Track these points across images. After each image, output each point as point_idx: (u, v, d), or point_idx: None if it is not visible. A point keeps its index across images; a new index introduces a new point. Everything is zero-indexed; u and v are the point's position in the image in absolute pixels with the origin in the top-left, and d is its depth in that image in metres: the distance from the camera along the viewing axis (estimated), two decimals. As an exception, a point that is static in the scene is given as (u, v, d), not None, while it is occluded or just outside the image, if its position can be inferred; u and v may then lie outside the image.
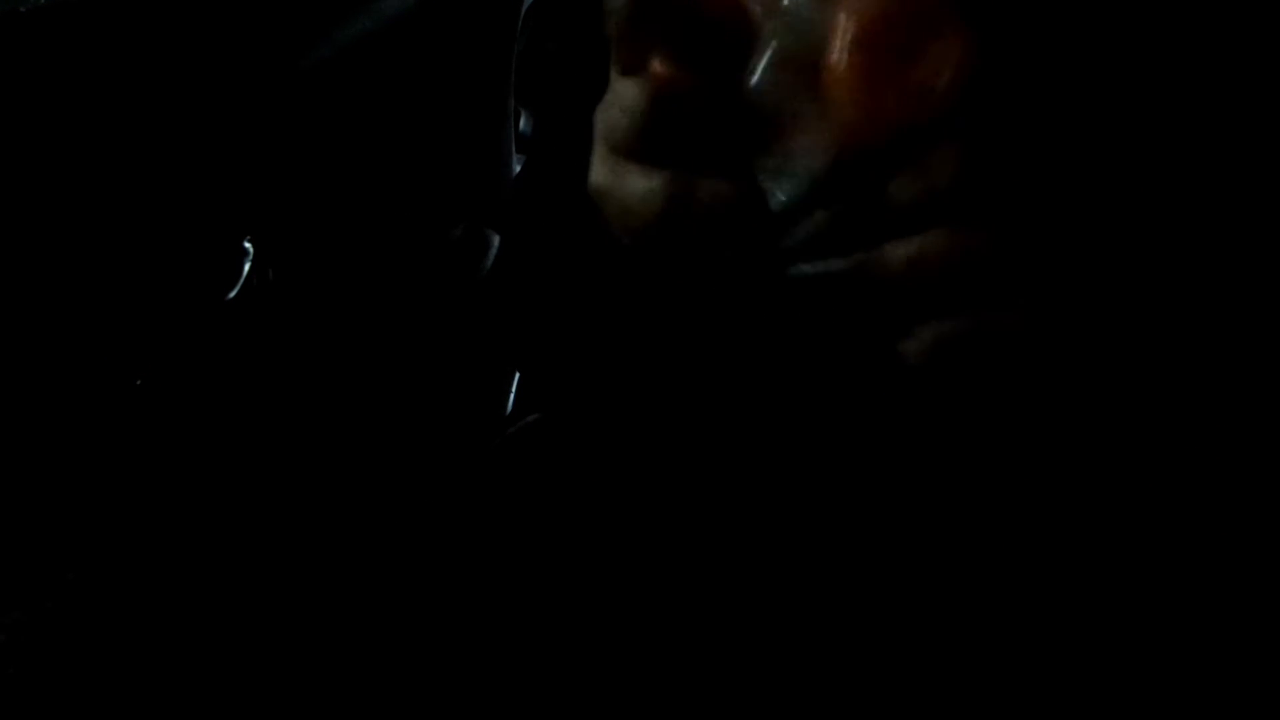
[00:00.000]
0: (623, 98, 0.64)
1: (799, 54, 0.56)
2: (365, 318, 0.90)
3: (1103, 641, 0.72)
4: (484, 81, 0.89)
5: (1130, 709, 0.71)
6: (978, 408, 0.69)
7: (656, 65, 0.61)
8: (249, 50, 0.84)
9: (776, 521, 0.79)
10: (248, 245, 0.86)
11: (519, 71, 0.86)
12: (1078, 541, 0.75)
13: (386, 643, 0.76)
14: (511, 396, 0.92)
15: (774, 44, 0.57)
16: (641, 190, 0.65)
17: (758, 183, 0.60)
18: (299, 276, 0.88)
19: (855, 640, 0.75)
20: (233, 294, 0.85)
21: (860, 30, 0.53)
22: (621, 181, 0.64)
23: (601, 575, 0.78)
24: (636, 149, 0.63)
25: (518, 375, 0.92)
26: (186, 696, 0.76)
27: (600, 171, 0.65)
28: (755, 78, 0.58)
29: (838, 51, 0.54)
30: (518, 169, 0.90)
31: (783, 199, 0.59)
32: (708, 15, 0.57)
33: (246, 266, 0.86)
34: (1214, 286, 0.64)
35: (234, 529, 0.82)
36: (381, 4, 0.88)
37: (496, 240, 0.88)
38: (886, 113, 0.53)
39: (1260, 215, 0.62)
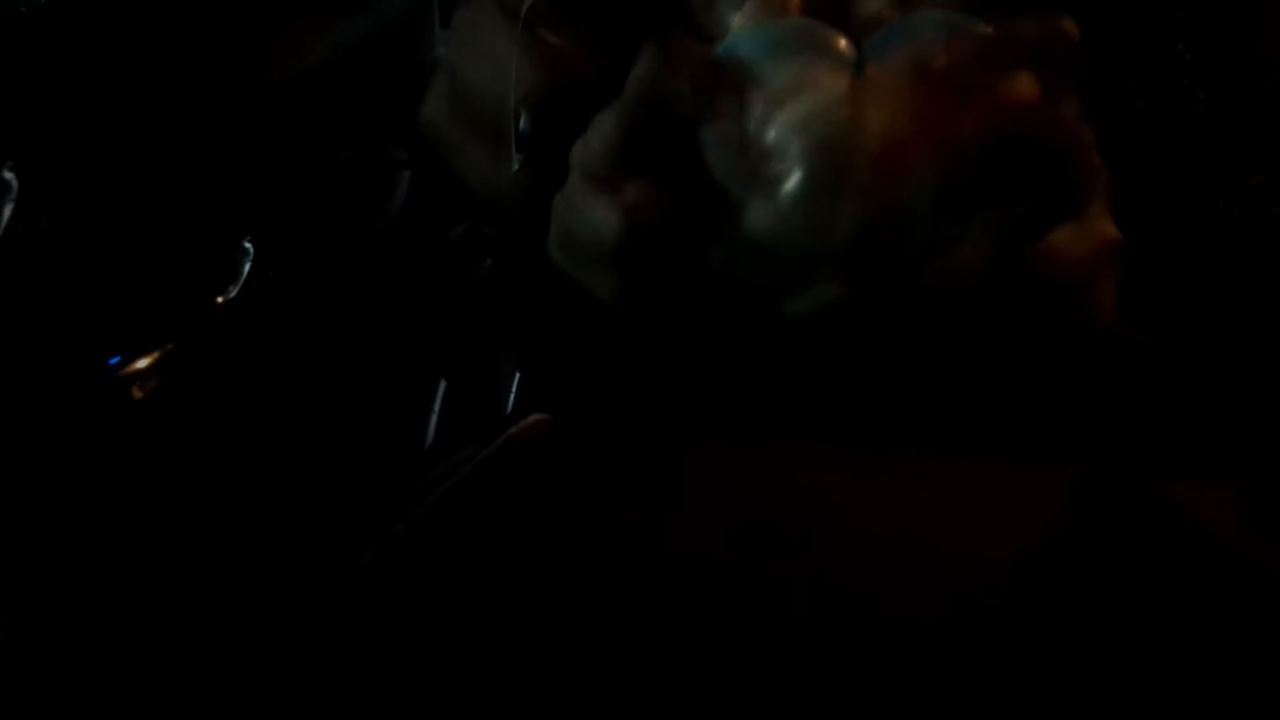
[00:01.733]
0: (594, 216, 0.69)
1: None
2: (364, 316, 0.90)
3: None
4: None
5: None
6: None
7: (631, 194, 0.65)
8: (248, 49, 0.84)
9: (775, 519, 0.79)
10: (248, 245, 0.86)
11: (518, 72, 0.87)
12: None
13: (385, 641, 0.76)
14: (511, 396, 0.92)
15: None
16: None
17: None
18: (299, 277, 0.88)
19: (852, 642, 0.74)
20: (233, 293, 0.85)
21: None
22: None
23: (600, 574, 0.78)
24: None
25: (518, 375, 0.93)
26: (186, 696, 0.76)
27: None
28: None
29: None
30: (517, 169, 0.91)
31: None
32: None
33: (247, 266, 0.86)
34: None
35: (232, 528, 0.82)
36: (380, 4, 0.88)
37: (406, 177, 0.89)
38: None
39: None
